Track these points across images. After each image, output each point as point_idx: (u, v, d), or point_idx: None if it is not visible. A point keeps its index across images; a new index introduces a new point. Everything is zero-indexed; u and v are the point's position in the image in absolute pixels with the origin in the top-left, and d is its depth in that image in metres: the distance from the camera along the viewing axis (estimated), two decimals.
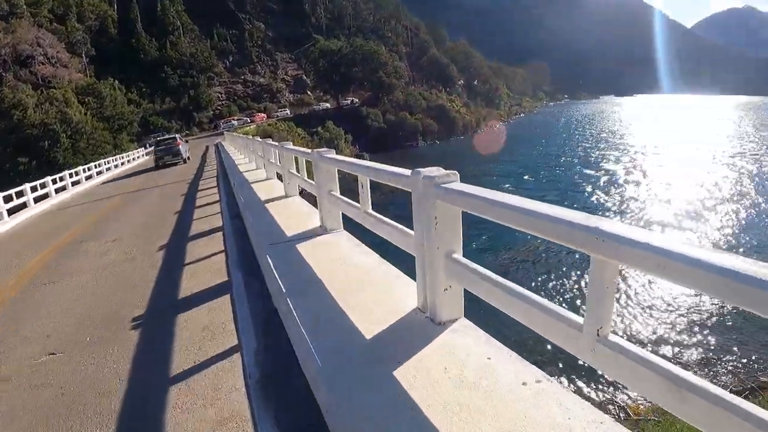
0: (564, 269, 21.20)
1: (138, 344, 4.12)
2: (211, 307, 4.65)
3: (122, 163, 35.13)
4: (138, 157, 40.85)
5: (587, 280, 2.15)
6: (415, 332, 3.12)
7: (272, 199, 8.94)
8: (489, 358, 2.68)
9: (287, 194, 9.12)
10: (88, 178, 25.59)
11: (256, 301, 4.61)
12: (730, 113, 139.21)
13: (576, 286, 19.55)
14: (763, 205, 31.87)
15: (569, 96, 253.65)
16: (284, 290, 4.26)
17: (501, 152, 61.75)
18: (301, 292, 4.18)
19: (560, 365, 12.93)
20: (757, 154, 55.70)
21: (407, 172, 3.34)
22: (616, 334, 1.78)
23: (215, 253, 6.51)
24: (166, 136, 33.32)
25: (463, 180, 3.00)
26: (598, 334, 1.82)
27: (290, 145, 8.96)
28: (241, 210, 8.74)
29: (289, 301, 3.98)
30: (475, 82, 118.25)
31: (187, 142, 38.64)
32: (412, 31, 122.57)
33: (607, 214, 30.75)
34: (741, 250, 23.41)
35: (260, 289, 4.91)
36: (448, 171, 2.98)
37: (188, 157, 29.78)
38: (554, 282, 20.12)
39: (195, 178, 17.91)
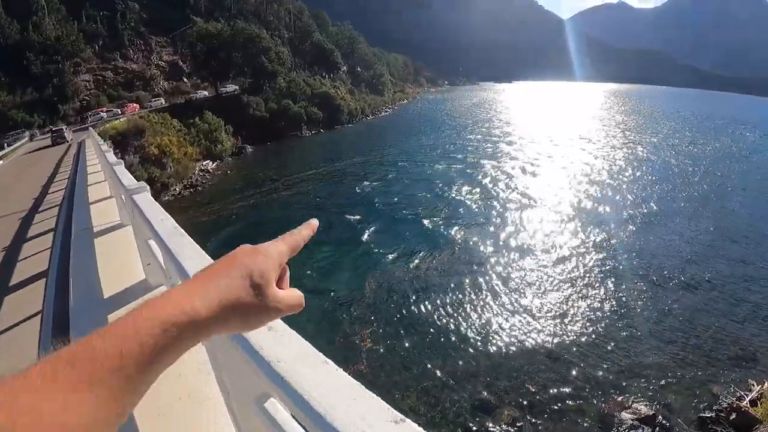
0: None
1: None
2: None
3: None
4: None
5: None
6: None
7: (121, 295, 5.06)
8: None
9: (148, 279, 5.14)
10: None
11: None
12: (598, 99, 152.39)
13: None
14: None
15: (449, 82, 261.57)
16: None
17: (386, 141, 62.70)
18: None
19: None
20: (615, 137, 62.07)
21: None
22: None
23: None
24: (58, 128, 49.91)
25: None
26: None
27: (145, 198, 4.63)
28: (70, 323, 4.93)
29: None
30: (359, 69, 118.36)
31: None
32: (294, 15, 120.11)
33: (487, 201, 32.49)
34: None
35: None
36: None
37: (71, 139, 43.96)
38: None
39: (34, 205, 14.40)
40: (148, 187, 5.09)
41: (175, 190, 41.78)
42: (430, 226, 28.27)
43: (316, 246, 25.43)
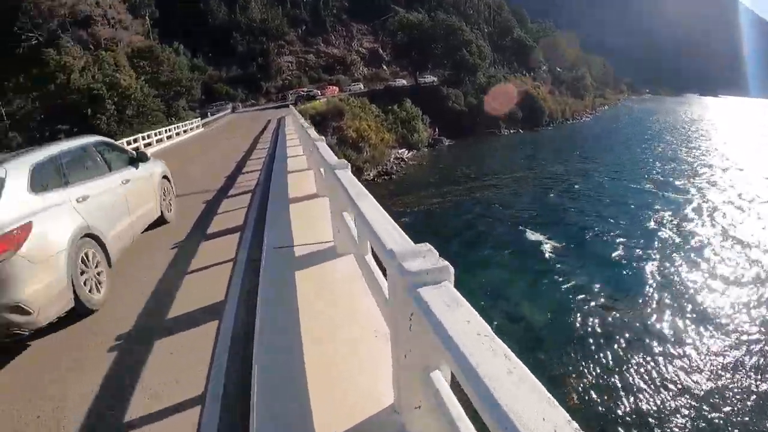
0: None
1: None
2: None
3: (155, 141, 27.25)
4: (185, 131, 33.33)
5: None
6: None
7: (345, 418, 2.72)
8: None
9: (399, 410, 2.60)
10: None
11: None
12: None
13: None
14: None
15: (651, 91, 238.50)
16: None
17: (588, 150, 54.35)
18: None
19: None
20: None
21: None
22: None
23: None
24: (307, 90, 64.45)
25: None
26: None
27: (445, 292, 1.99)
28: None
29: None
30: (558, 69, 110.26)
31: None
32: (494, 10, 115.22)
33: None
34: None
35: None
36: None
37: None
38: None
39: (224, 187, 12.15)
40: (452, 270, 2.11)
41: (368, 175, 40.78)
42: (637, 261, 21.45)
43: (513, 261, 21.63)
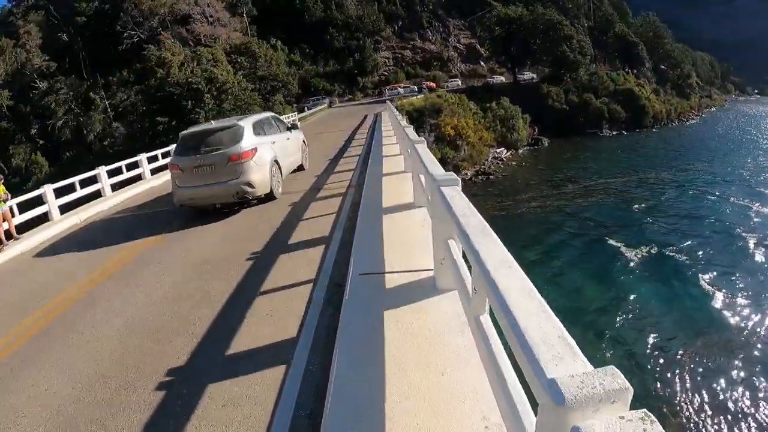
0: None
1: None
2: None
3: None
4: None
5: None
6: None
7: None
8: None
9: None
10: None
11: None
12: None
13: None
14: None
15: (759, 91, 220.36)
16: None
17: (698, 157, 48.56)
18: None
19: None
20: None
21: None
22: None
23: None
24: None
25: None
26: None
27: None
28: None
29: None
30: (663, 66, 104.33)
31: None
32: (594, 3, 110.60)
33: None
34: None
35: None
36: None
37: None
38: None
39: (314, 187, 12.25)
40: None
41: (466, 174, 40.11)
42: (734, 293, 17.80)
43: (598, 277, 19.43)
